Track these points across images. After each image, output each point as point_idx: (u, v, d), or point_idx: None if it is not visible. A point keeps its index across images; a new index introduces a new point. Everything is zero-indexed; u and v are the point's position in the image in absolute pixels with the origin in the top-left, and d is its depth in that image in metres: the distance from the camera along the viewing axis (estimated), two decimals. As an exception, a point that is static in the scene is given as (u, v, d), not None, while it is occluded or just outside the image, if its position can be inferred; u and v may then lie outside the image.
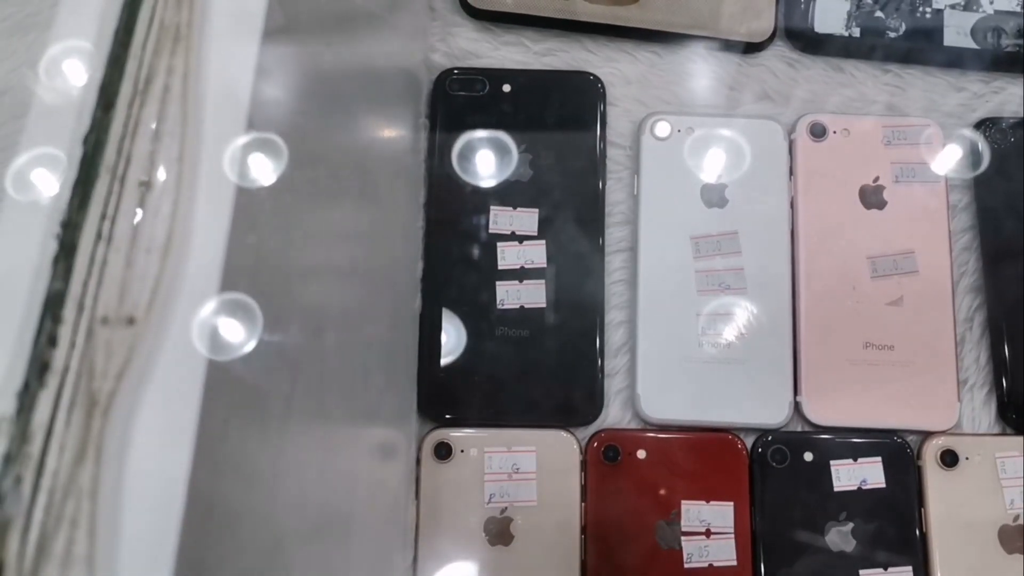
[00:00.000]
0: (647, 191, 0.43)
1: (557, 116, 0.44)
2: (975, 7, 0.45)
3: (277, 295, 0.23)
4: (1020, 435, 0.41)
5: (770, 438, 0.40)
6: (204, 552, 0.19)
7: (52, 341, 0.18)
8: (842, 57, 0.45)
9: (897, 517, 0.39)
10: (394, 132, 0.39)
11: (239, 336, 0.20)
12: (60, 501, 0.17)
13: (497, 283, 0.42)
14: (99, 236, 0.19)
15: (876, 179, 0.43)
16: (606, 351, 0.42)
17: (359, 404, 0.32)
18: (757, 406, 0.41)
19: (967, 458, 0.40)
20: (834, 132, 0.43)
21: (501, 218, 0.43)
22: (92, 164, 0.20)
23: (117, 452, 0.18)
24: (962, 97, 0.45)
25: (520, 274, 0.42)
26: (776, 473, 0.40)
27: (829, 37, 0.45)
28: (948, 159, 0.44)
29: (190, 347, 0.19)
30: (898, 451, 0.40)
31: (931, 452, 0.40)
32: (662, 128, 0.44)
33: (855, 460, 0.40)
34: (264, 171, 0.22)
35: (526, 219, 0.43)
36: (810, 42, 0.45)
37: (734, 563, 0.39)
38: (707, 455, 0.40)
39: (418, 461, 0.40)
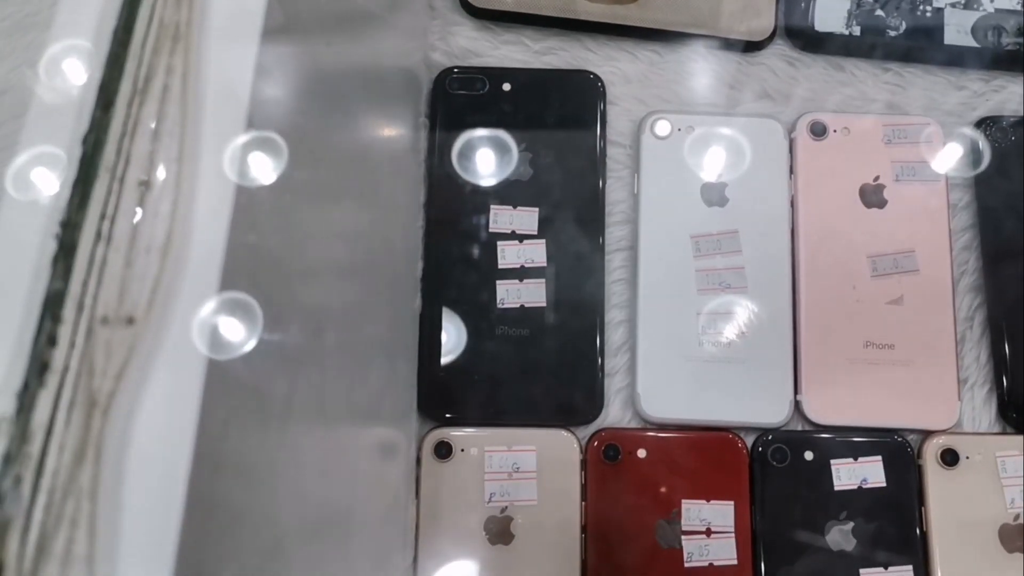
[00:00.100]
0: (647, 190, 0.43)
1: (557, 115, 0.44)
2: (975, 5, 0.45)
3: (277, 294, 0.23)
4: (1020, 434, 0.41)
5: (770, 437, 0.40)
6: (204, 552, 0.19)
7: (52, 341, 0.18)
8: (842, 56, 0.45)
9: (897, 516, 0.39)
10: (394, 131, 0.39)
11: (239, 335, 0.20)
12: (60, 501, 0.17)
13: (497, 282, 0.42)
14: (99, 236, 0.19)
15: (876, 178, 0.43)
16: (606, 350, 0.42)
17: (359, 403, 0.32)
18: (757, 405, 0.41)
19: (967, 457, 0.40)
20: (834, 131, 0.43)
21: (501, 217, 0.43)
22: (91, 163, 0.20)
23: (117, 452, 0.18)
24: (962, 96, 0.45)
25: (520, 273, 0.42)
26: (776, 472, 0.40)
27: (829, 36, 0.45)
28: (948, 158, 0.44)
29: (190, 347, 0.19)
30: (898, 450, 0.40)
31: (931, 451, 0.40)
32: (662, 127, 0.44)
33: (855, 459, 0.40)
34: (264, 170, 0.22)
35: (526, 218, 0.43)
36: (810, 41, 0.45)
37: (734, 562, 0.39)
38: (707, 454, 0.40)
39: (418, 460, 0.40)
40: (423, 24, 0.45)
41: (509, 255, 0.42)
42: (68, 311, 0.18)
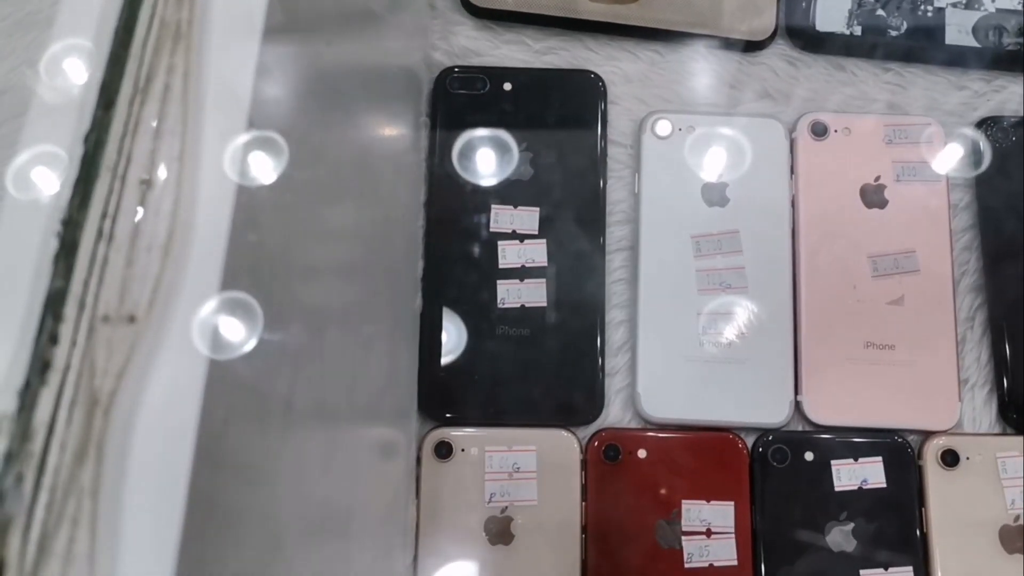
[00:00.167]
0: (648, 190, 0.43)
1: (558, 114, 0.44)
2: (976, 5, 0.45)
3: (277, 294, 0.23)
4: (1021, 435, 0.40)
5: (771, 437, 0.40)
6: (205, 551, 0.19)
7: (53, 339, 0.18)
8: (843, 55, 0.45)
9: (898, 517, 0.39)
10: (395, 130, 0.39)
11: (240, 335, 0.20)
12: (61, 499, 0.17)
13: (498, 282, 0.42)
14: (100, 234, 0.19)
15: (877, 178, 0.43)
16: (607, 350, 0.42)
17: (359, 402, 0.32)
18: (758, 405, 0.41)
19: (968, 458, 0.40)
20: (835, 131, 0.43)
21: (502, 217, 0.43)
22: (93, 162, 0.20)
23: (118, 450, 0.18)
24: (963, 96, 0.45)
25: (521, 273, 0.42)
26: (777, 473, 0.40)
27: (830, 35, 0.45)
28: (949, 158, 0.44)
29: (191, 345, 0.19)
30: (899, 451, 0.40)
31: (932, 452, 0.40)
32: (663, 127, 0.44)
33: (856, 460, 0.40)
34: (264, 170, 0.22)
35: (527, 218, 0.43)
36: (811, 40, 0.45)
37: (735, 563, 0.39)
38: (708, 454, 0.40)
39: (418, 460, 0.40)
40: (424, 23, 0.45)
41: (510, 255, 0.42)
42: (69, 309, 0.18)
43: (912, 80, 0.45)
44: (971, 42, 0.44)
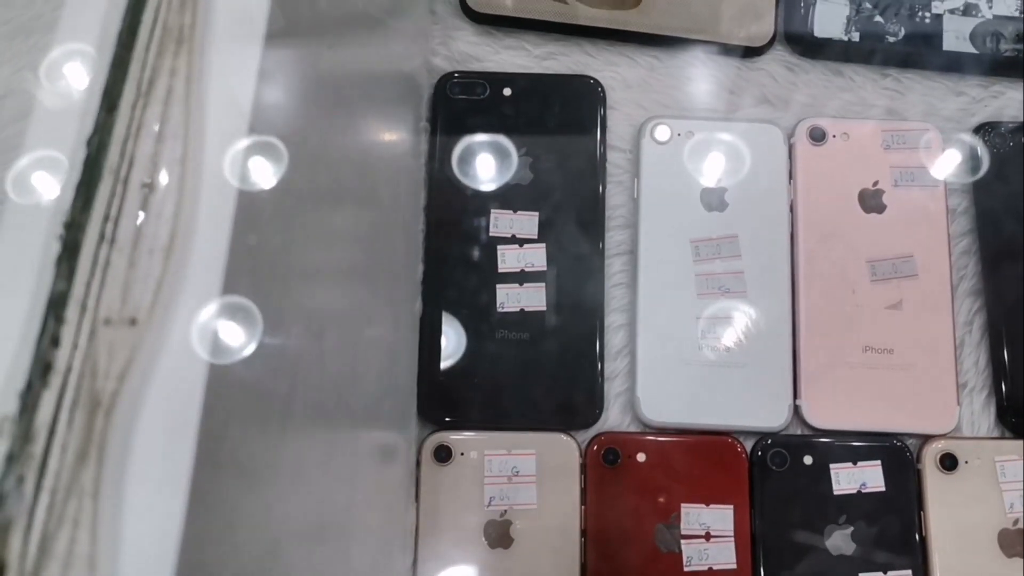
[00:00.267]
0: (647, 195, 0.43)
1: (557, 120, 0.44)
2: (974, 12, 0.45)
3: (278, 297, 0.23)
4: (1019, 439, 0.41)
5: (770, 441, 0.40)
6: (205, 553, 0.19)
7: (55, 341, 0.18)
8: (841, 61, 0.46)
9: (897, 520, 0.39)
10: (395, 135, 0.39)
11: (240, 338, 0.20)
12: (62, 501, 0.17)
13: (497, 286, 0.42)
14: (102, 237, 0.19)
15: (875, 183, 0.43)
16: (606, 354, 0.42)
17: (359, 406, 0.32)
18: (757, 409, 0.41)
19: (966, 462, 0.40)
20: (833, 136, 0.44)
21: (501, 221, 0.43)
22: (95, 166, 0.20)
23: (119, 452, 0.18)
24: (961, 101, 0.45)
25: (520, 277, 0.42)
26: (776, 476, 0.40)
27: (828, 41, 0.45)
28: (947, 163, 0.44)
29: (192, 348, 0.19)
30: (898, 454, 0.40)
31: (931, 456, 0.40)
32: (662, 132, 0.44)
33: (855, 463, 0.40)
34: (265, 174, 0.22)
35: (526, 222, 0.43)
36: (809, 46, 0.45)
37: (734, 566, 0.39)
38: (707, 458, 0.40)
39: (418, 464, 0.40)
40: (424, 29, 0.45)
41: (509, 259, 0.42)
42: (71, 312, 0.19)
43: (910, 86, 0.45)
44: (969, 48, 0.45)
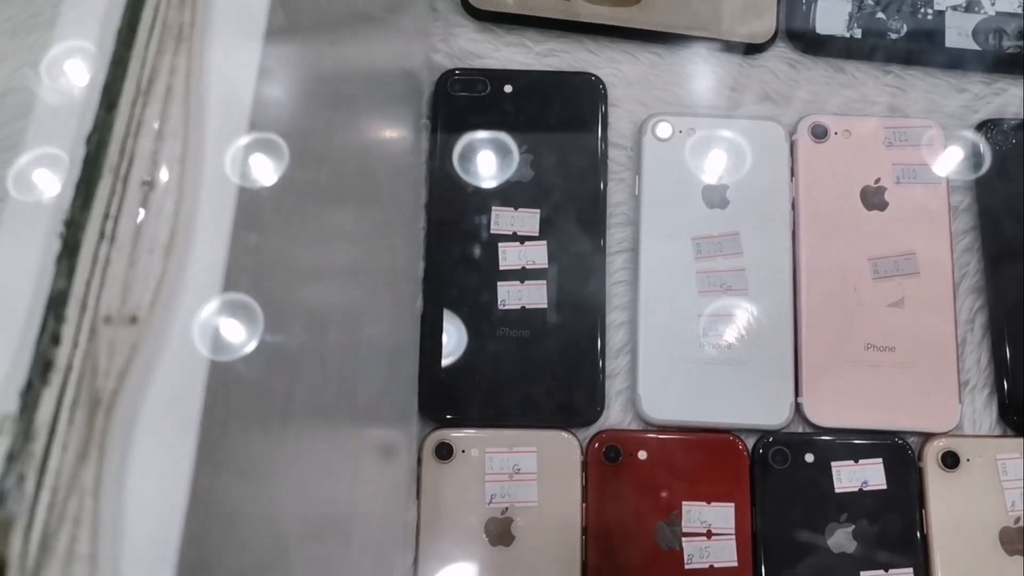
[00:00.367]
0: (648, 192, 0.43)
1: (559, 117, 0.44)
2: (976, 8, 0.45)
3: (279, 295, 0.23)
4: (1021, 437, 0.40)
5: (771, 439, 0.40)
6: (206, 551, 0.19)
7: (55, 340, 0.18)
8: (843, 58, 0.45)
9: (898, 518, 0.39)
10: (395, 133, 0.39)
11: (241, 336, 0.20)
12: (63, 499, 0.17)
13: (498, 283, 0.42)
14: (102, 235, 0.19)
15: (877, 180, 0.43)
16: (607, 352, 0.42)
17: (360, 404, 0.32)
18: (758, 407, 0.41)
19: (968, 460, 0.40)
20: (835, 133, 0.44)
21: (502, 218, 0.43)
22: (95, 164, 0.20)
23: (120, 451, 0.18)
24: (963, 98, 0.45)
25: (521, 275, 0.42)
26: (777, 474, 0.40)
27: (830, 38, 0.45)
28: (949, 160, 0.44)
29: (192, 346, 0.19)
30: (899, 452, 0.40)
31: (932, 454, 0.40)
32: (663, 129, 0.44)
33: (856, 461, 0.40)
34: (266, 171, 0.22)
35: (527, 220, 0.43)
36: (811, 43, 0.45)
37: (735, 564, 0.39)
38: (708, 456, 0.40)
39: (419, 461, 0.40)
40: (425, 26, 0.45)
41: (510, 256, 0.42)
42: (71, 310, 0.19)
43: (912, 83, 0.45)
44: (971, 45, 0.44)
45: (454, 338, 0.41)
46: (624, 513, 0.39)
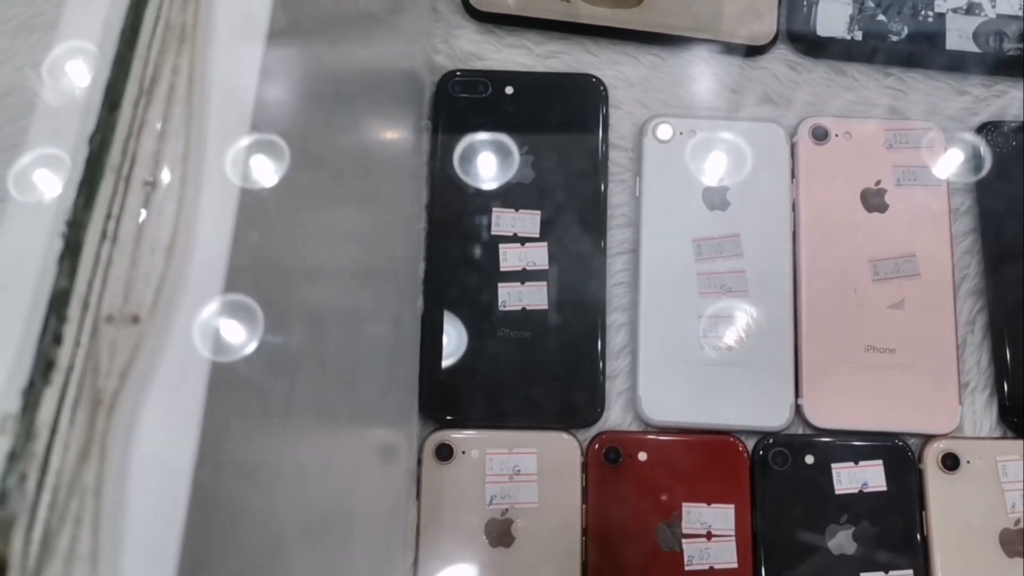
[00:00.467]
0: (649, 193, 0.43)
1: (559, 118, 0.44)
2: (977, 11, 0.45)
3: (280, 295, 0.23)
4: (1021, 438, 0.41)
5: (771, 440, 0.40)
6: (207, 550, 0.19)
7: (57, 339, 0.18)
8: (844, 60, 0.45)
9: (898, 520, 0.39)
10: (396, 133, 0.39)
11: (242, 336, 0.20)
12: (64, 499, 0.17)
13: (499, 284, 0.42)
14: (104, 235, 0.19)
15: (878, 182, 0.43)
16: (607, 353, 0.42)
17: (360, 404, 0.32)
18: (758, 408, 0.41)
19: (968, 461, 0.40)
20: (836, 135, 0.44)
21: (503, 220, 0.43)
22: (97, 164, 0.20)
23: (121, 450, 0.18)
24: (964, 101, 0.45)
25: (522, 276, 0.42)
26: (777, 475, 0.40)
27: (831, 40, 0.45)
28: (950, 163, 0.44)
29: (194, 346, 0.19)
30: (899, 454, 0.40)
31: (932, 455, 0.40)
32: (664, 130, 0.44)
33: (856, 463, 0.40)
34: (267, 172, 0.22)
35: (528, 221, 0.43)
36: (812, 45, 0.45)
37: (735, 565, 0.39)
38: (708, 457, 0.40)
39: (419, 462, 0.40)
40: (426, 27, 0.45)
41: (511, 258, 0.42)
42: (73, 310, 0.19)
43: (913, 85, 0.45)
44: (972, 47, 0.44)
45: (454, 339, 0.41)
46: (624, 514, 0.39)
